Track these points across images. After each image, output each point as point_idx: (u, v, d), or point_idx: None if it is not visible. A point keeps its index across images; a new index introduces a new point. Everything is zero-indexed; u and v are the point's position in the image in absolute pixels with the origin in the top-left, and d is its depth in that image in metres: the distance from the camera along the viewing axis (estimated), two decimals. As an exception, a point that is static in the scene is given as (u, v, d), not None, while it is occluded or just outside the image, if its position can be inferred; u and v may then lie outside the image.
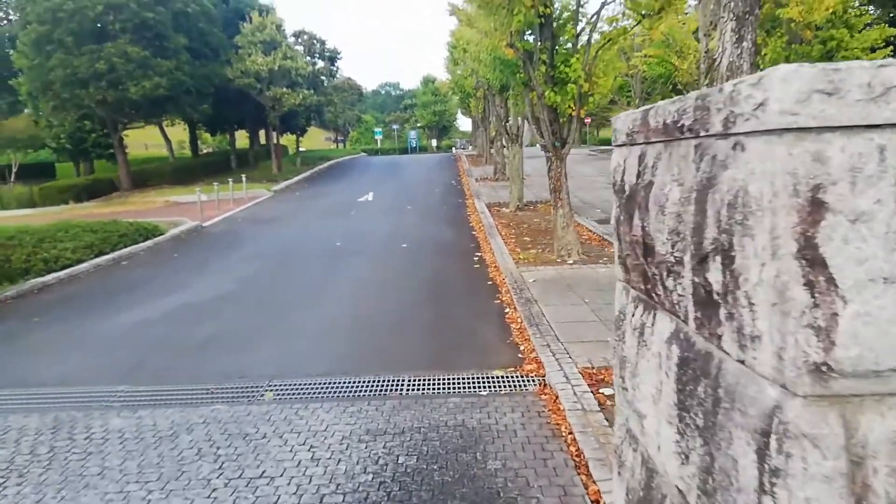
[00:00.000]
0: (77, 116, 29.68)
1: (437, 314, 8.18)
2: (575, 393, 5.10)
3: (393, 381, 5.85)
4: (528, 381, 5.70)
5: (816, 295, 1.24)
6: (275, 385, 5.88)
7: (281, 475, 4.20)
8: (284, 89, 29.80)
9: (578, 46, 10.61)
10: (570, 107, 10.35)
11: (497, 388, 5.54)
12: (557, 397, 5.14)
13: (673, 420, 1.90)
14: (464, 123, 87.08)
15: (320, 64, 38.16)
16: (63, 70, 22.91)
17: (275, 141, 33.55)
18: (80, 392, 5.93)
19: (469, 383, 5.70)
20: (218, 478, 4.21)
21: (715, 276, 1.55)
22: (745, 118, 1.35)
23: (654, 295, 2.12)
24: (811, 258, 1.24)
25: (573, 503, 3.73)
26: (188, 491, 4.06)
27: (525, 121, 18.20)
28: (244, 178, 23.57)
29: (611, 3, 10.45)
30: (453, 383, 5.72)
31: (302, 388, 5.77)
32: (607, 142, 52.07)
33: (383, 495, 3.89)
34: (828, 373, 1.25)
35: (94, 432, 5.04)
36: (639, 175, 2.26)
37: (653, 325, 2.14)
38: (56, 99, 24.03)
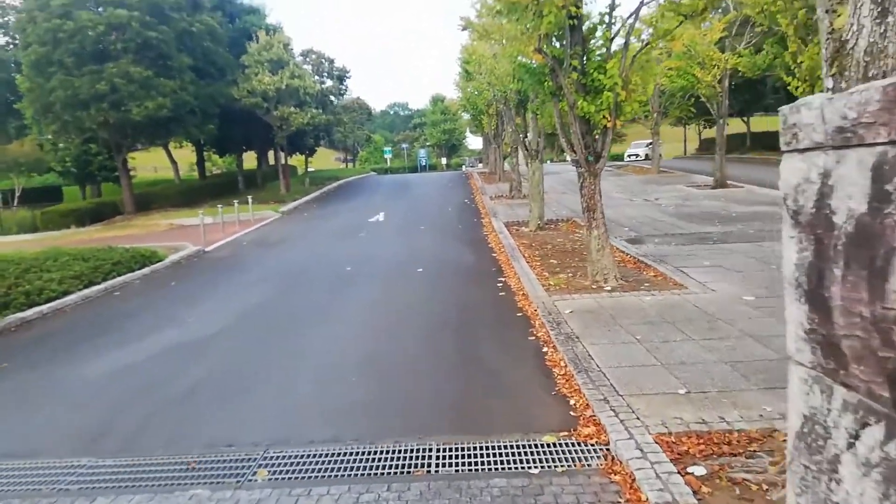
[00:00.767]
0: (82, 139, 29.04)
1: (463, 355, 7.03)
2: (657, 474, 3.91)
3: (417, 450, 4.69)
4: (590, 451, 4.52)
5: None
6: (270, 458, 4.73)
7: None
8: (292, 109, 28.99)
9: (612, 51, 9.55)
10: (604, 117, 9.26)
11: (551, 464, 4.37)
12: (634, 479, 3.96)
13: None
14: (473, 142, 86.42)
15: (329, 83, 37.48)
16: (63, 91, 22.17)
17: (283, 161, 32.71)
18: (29, 469, 4.81)
19: (514, 455, 4.53)
20: None
21: None
22: None
23: None
24: None
25: None
26: None
27: (542, 136, 17.14)
28: (250, 200, 22.61)
29: (649, 2, 9.41)
30: (495, 454, 4.56)
31: (303, 463, 4.62)
32: (617, 157, 50.97)
33: None
34: None
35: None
36: (883, 199, 1.20)
37: None
38: (57, 121, 23.30)
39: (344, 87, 40.85)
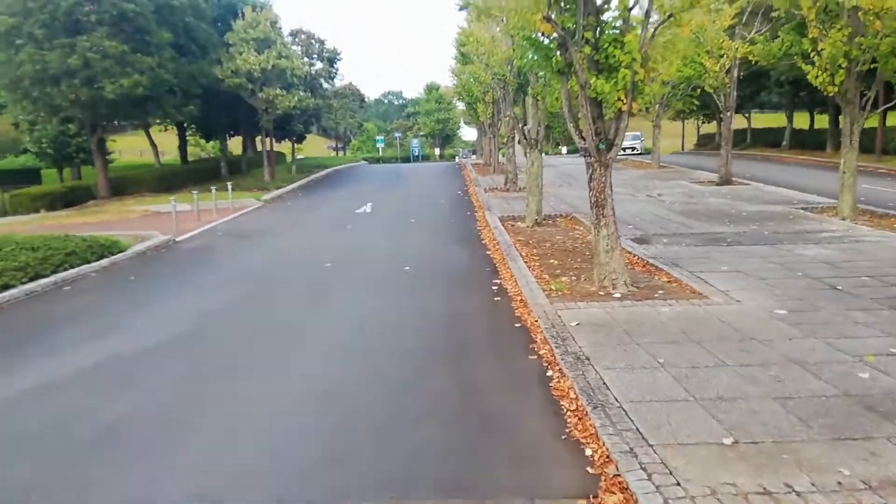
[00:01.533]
0: (59, 118, 27.57)
1: (451, 382, 5.86)
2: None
3: (388, 525, 3.53)
4: (619, 536, 3.38)
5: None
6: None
7: None
8: (278, 91, 27.54)
9: (630, 24, 8.35)
10: (619, 99, 8.08)
11: (567, 555, 3.22)
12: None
13: None
14: (467, 133, 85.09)
15: (319, 65, 35.95)
16: (32, 66, 20.68)
17: (268, 147, 31.30)
18: None
19: (517, 538, 3.38)
20: None
21: None
22: None
23: None
24: None
25: None
26: None
27: (542, 124, 15.95)
28: (230, 187, 21.31)
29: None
30: (490, 535, 3.41)
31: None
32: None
33: None
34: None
35: None
36: None
37: None
38: (26, 98, 21.83)
39: (335, 70, 39.36)
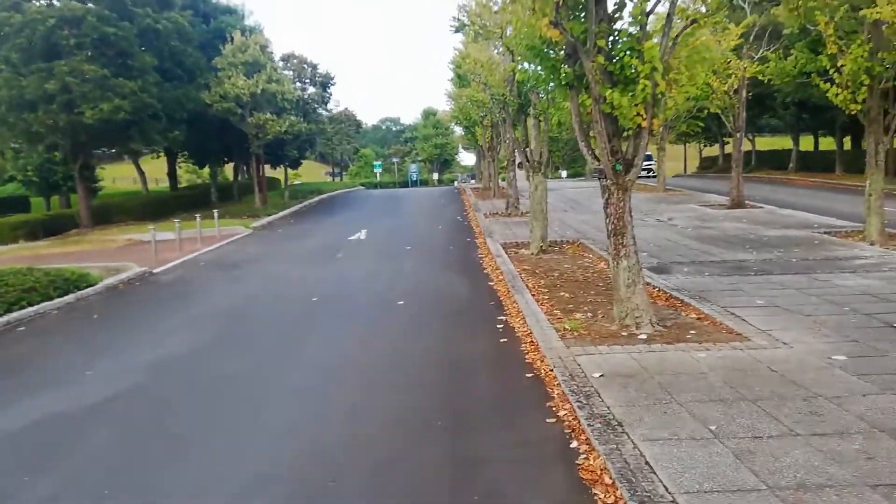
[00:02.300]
0: (44, 146, 26.67)
1: (449, 461, 4.70)
2: None
3: None
4: None
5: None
6: None
7: None
8: (269, 115, 26.63)
9: (648, 30, 7.35)
10: (638, 114, 7.04)
11: None
12: None
13: None
14: (465, 158, 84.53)
15: (311, 90, 35.16)
16: (8, 91, 19.77)
17: (258, 172, 30.33)
18: None
19: None
20: None
21: None
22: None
23: None
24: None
25: None
26: None
27: (546, 145, 14.95)
28: (216, 214, 20.23)
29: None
30: None
31: None
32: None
33: None
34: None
35: None
36: None
37: None
38: (3, 124, 20.87)
39: (328, 95, 38.56)
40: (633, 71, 6.89)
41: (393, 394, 6.08)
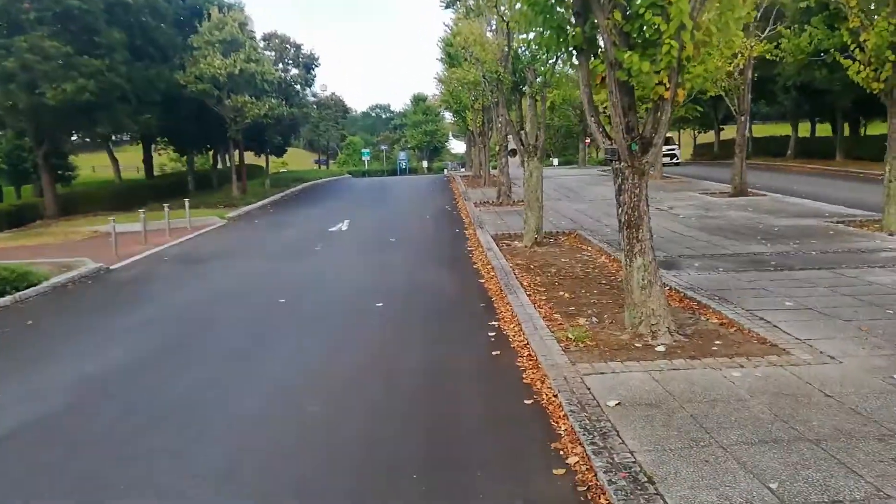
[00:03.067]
0: (13, 132, 25.18)
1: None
2: None
3: None
4: None
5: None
6: None
7: None
8: (247, 98, 25.22)
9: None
10: (661, 83, 5.87)
11: None
12: None
13: None
14: (456, 146, 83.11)
15: (294, 71, 33.65)
16: (-38, 70, 18.34)
17: (237, 159, 28.89)
18: None
19: None
20: None
21: None
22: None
23: None
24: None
25: None
26: None
27: (543, 128, 13.75)
28: (187, 204, 18.91)
29: None
30: None
31: None
32: (606, 162, 47.78)
33: None
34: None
35: None
36: None
37: None
38: (-42, 106, 19.42)
39: (312, 77, 36.95)
40: (655, 30, 5.71)
41: (357, 433, 4.91)
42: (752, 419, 4.47)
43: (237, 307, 9.36)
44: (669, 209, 17.82)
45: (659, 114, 6.16)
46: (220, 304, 9.66)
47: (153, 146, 33.19)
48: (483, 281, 10.35)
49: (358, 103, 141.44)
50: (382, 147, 66.54)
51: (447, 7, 19.71)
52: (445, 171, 56.71)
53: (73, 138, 33.15)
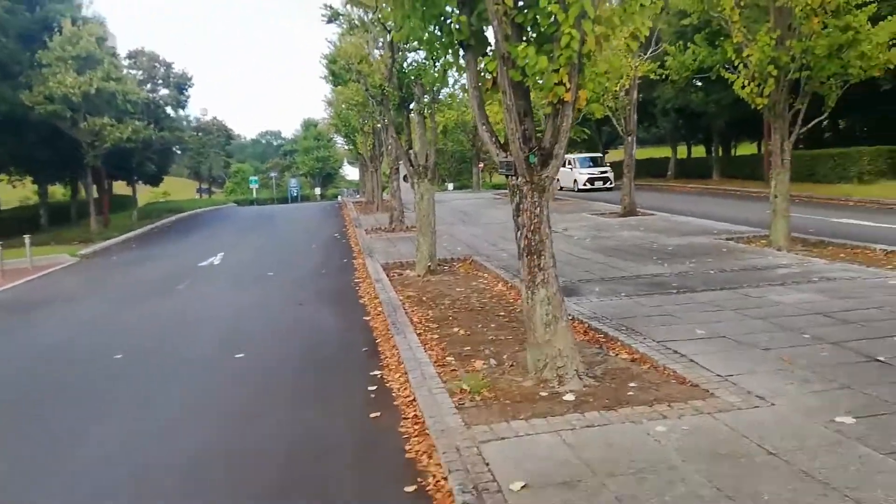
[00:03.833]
0: None
1: None
2: None
3: None
4: None
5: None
6: None
7: None
8: (106, 120, 22.59)
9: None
10: (560, 83, 4.95)
11: None
12: None
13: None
14: (350, 172, 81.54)
15: (164, 91, 31.00)
16: None
17: (105, 189, 25.91)
18: None
19: None
20: None
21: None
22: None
23: None
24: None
25: None
26: None
27: (433, 147, 12.81)
28: (28, 241, 16.28)
29: None
30: None
31: None
32: (500, 186, 48.03)
33: None
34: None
35: None
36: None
37: None
38: None
39: (185, 98, 34.32)
40: (552, 22, 4.79)
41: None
42: (691, 495, 3.50)
43: (58, 368, 7.51)
44: (564, 230, 17.39)
45: (559, 120, 5.24)
46: (38, 365, 7.75)
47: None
48: (369, 318, 9.10)
49: (246, 129, 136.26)
50: (272, 174, 63.76)
51: (329, 21, 18.44)
52: (340, 197, 55.04)
53: None
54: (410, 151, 12.55)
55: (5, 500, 4.29)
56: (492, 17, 4.93)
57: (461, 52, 5.65)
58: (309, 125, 64.59)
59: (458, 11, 5.31)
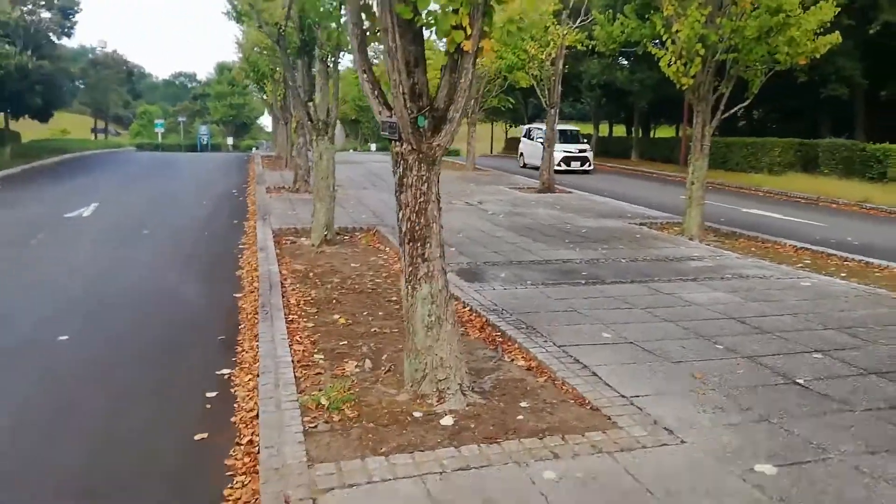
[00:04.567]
0: None
1: None
2: None
3: None
4: None
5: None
6: None
7: None
8: (-34, 41, 19.53)
9: None
10: (459, 26, 3.85)
11: None
12: None
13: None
14: (269, 124, 77.47)
15: (46, 15, 27.38)
16: None
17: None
18: None
19: None
20: None
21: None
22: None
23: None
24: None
25: None
26: None
27: (336, 102, 11.45)
28: None
29: None
30: None
31: None
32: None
33: None
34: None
35: None
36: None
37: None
38: None
39: (70, 24, 30.55)
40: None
41: None
42: None
43: None
44: (479, 204, 16.53)
45: (457, 74, 4.14)
46: None
47: None
48: (240, 296, 7.85)
49: (160, 70, 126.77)
50: (181, 119, 59.31)
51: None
52: (253, 150, 51.97)
53: None
54: (310, 104, 11.10)
55: None
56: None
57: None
58: (223, 69, 60.23)
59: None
